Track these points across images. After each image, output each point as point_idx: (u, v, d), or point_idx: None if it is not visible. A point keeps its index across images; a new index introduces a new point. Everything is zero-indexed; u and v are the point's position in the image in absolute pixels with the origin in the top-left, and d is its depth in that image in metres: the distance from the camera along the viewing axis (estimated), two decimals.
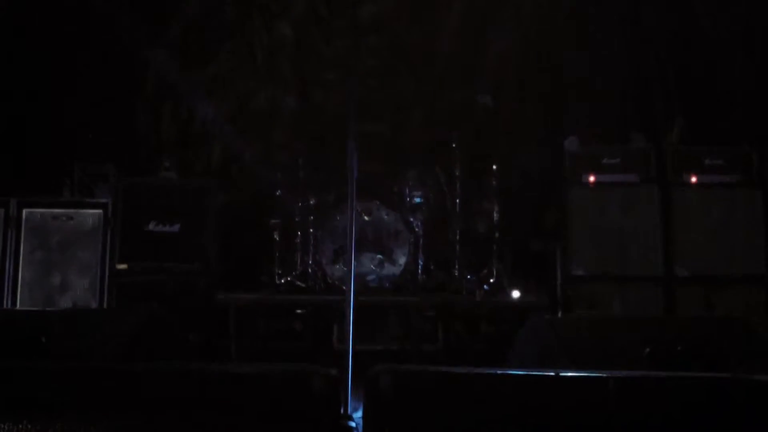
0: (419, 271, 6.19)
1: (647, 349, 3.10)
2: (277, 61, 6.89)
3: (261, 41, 6.91)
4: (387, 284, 6.10)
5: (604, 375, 2.37)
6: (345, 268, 5.48)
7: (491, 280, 6.24)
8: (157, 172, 6.41)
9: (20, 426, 2.18)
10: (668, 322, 4.39)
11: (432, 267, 6.30)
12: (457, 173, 6.36)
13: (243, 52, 6.91)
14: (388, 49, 6.78)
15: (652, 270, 5.96)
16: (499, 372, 2.45)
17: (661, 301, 5.93)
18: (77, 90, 6.55)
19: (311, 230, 6.25)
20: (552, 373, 2.41)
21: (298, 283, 6.18)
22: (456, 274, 6.25)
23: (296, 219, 6.31)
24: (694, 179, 6.07)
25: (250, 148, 6.77)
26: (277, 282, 6.21)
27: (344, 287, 4.94)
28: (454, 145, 6.39)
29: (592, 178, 6.12)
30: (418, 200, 6.30)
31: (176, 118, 6.89)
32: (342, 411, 2.38)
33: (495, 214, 6.35)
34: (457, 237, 6.30)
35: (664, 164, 6.14)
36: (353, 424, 2.35)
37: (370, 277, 6.08)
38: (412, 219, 6.23)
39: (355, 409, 2.58)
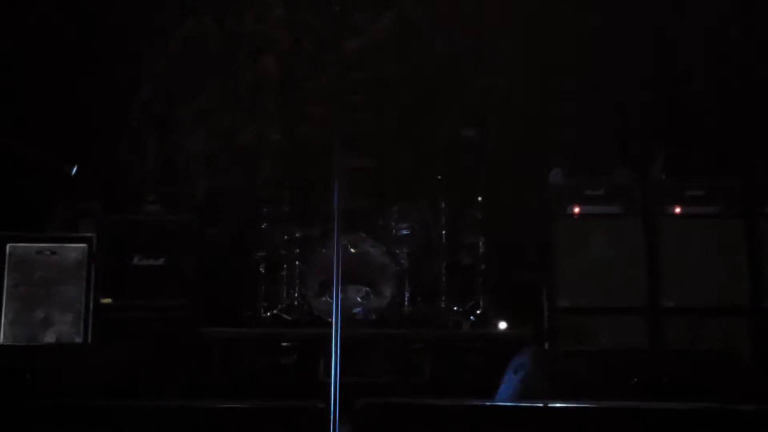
0: (405, 303, 6.18)
1: (635, 379, 3.10)
2: (262, 95, 6.91)
3: (246, 76, 6.94)
4: (373, 317, 6.08)
5: (592, 406, 2.37)
6: (331, 301, 5.45)
7: (478, 312, 6.24)
8: (142, 207, 6.39)
9: None
10: (654, 355, 4.40)
11: (418, 299, 6.29)
12: (443, 205, 6.38)
13: (228, 87, 6.92)
14: (373, 84, 6.82)
15: (638, 301, 5.97)
16: (487, 404, 2.44)
17: (648, 332, 5.93)
18: (60, 126, 6.53)
19: (297, 263, 6.24)
20: (540, 405, 2.41)
21: (284, 316, 6.16)
22: (442, 306, 6.24)
23: (282, 252, 6.30)
24: (677, 210, 6.11)
25: (236, 182, 6.77)
26: (263, 315, 6.18)
27: (330, 320, 4.92)
28: (439, 177, 6.42)
29: (576, 209, 6.15)
30: (403, 232, 6.30)
31: (161, 152, 6.89)
32: None
33: (480, 246, 6.37)
34: (443, 269, 6.30)
35: (648, 195, 6.18)
36: None
37: (356, 310, 6.06)
38: (398, 251, 6.23)
39: None
